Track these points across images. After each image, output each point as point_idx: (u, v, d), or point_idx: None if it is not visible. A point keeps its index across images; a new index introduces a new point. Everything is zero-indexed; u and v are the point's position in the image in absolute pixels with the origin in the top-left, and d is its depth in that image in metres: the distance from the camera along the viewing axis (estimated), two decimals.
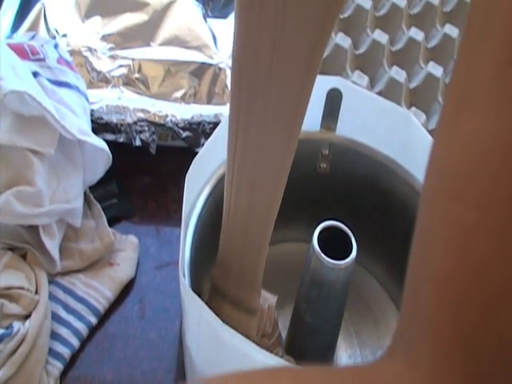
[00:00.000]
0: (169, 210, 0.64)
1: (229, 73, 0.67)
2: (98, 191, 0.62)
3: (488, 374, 0.18)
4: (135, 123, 0.61)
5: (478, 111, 0.19)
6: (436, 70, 0.69)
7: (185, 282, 0.39)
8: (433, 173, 0.22)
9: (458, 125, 0.20)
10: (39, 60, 0.58)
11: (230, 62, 0.68)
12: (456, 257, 0.19)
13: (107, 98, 0.63)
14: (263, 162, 0.38)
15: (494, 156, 0.18)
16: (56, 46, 0.61)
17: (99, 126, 0.62)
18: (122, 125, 0.61)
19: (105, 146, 0.56)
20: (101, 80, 0.66)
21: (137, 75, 0.66)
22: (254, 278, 0.48)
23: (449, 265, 0.19)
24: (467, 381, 0.19)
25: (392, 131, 0.53)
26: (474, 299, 0.18)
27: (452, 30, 0.74)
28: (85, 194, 0.59)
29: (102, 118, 0.61)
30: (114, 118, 0.61)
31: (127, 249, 0.59)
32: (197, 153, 0.47)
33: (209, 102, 0.66)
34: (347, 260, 0.45)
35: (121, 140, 0.62)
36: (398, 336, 0.22)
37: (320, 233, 0.47)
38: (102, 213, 0.59)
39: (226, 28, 0.72)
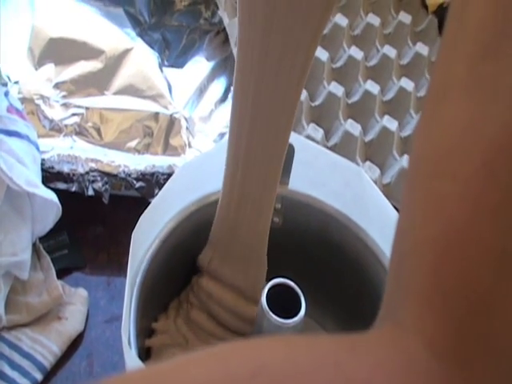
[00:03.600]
0: (120, 262, 0.65)
1: (183, 123, 0.69)
2: (48, 242, 0.63)
3: (467, 324, 0.21)
4: (87, 173, 0.63)
5: (455, 101, 0.22)
6: (391, 123, 0.72)
7: (128, 348, 0.40)
8: (413, 158, 0.25)
9: (436, 114, 0.23)
10: None
11: (184, 112, 0.70)
12: (435, 224, 0.22)
13: (59, 147, 0.65)
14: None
15: (469, 135, 0.21)
16: (6, 94, 0.63)
17: (51, 175, 0.63)
18: (74, 174, 0.63)
19: (54, 197, 0.57)
20: (53, 129, 0.67)
21: (90, 124, 0.67)
22: (259, 264, 0.52)
23: (428, 232, 0.22)
24: (447, 336, 0.21)
25: (344, 186, 0.56)
26: (452, 259, 0.21)
27: (408, 84, 0.78)
28: (34, 244, 0.60)
29: (53, 168, 0.62)
30: (66, 168, 0.62)
31: (76, 302, 0.60)
32: (150, 203, 0.49)
33: (163, 153, 0.68)
34: (295, 319, 0.46)
35: (73, 189, 0.63)
36: (383, 309, 0.24)
37: (271, 289, 0.49)
38: (52, 265, 0.60)
39: (181, 77, 0.74)
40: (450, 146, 0.22)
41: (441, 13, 0.93)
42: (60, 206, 0.58)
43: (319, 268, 0.59)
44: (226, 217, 0.50)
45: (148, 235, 0.50)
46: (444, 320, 0.21)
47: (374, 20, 0.87)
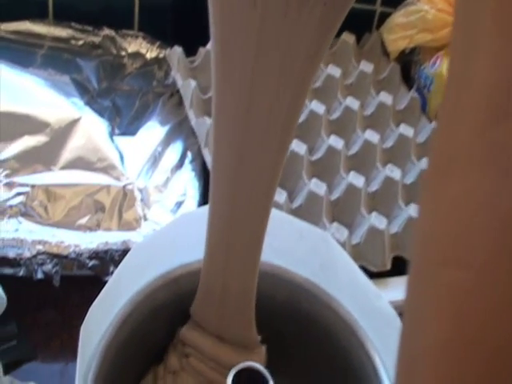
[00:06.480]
0: (75, 348, 0.62)
1: (137, 194, 0.68)
2: None
3: None
4: (35, 256, 0.61)
5: (463, 173, 0.21)
6: (358, 179, 0.71)
7: None
8: (419, 240, 0.23)
9: (442, 189, 0.21)
10: None
11: (138, 183, 0.69)
12: (448, 322, 0.20)
13: (3, 231, 0.62)
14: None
15: (482, 214, 0.20)
16: None
17: None
18: (20, 259, 0.61)
19: None
20: None
21: (36, 203, 0.66)
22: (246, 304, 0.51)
23: (441, 332, 0.20)
24: None
25: (311, 253, 0.55)
26: (469, 365, 0.19)
27: (373, 136, 0.77)
28: None
29: None
30: (11, 253, 0.61)
31: None
32: (106, 282, 0.47)
33: (116, 228, 0.66)
34: None
35: (20, 274, 0.61)
36: None
37: (237, 374, 0.47)
38: None
39: (134, 145, 0.73)
40: (461, 227, 0.20)
41: (403, 59, 0.93)
42: (5, 296, 0.56)
43: (289, 341, 0.57)
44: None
45: (100, 324, 0.48)
46: None
47: (334, 71, 0.87)
